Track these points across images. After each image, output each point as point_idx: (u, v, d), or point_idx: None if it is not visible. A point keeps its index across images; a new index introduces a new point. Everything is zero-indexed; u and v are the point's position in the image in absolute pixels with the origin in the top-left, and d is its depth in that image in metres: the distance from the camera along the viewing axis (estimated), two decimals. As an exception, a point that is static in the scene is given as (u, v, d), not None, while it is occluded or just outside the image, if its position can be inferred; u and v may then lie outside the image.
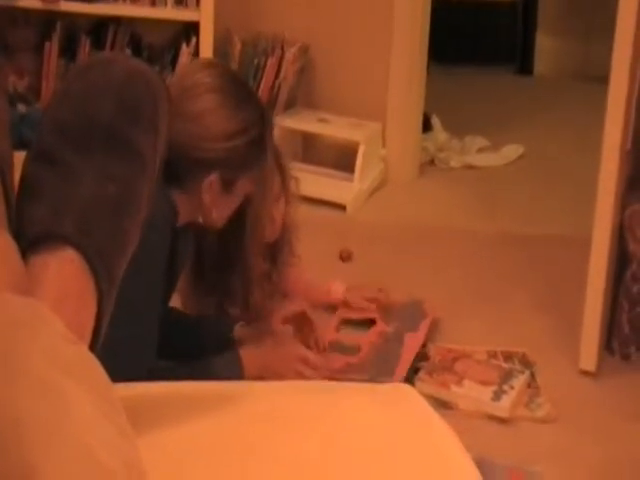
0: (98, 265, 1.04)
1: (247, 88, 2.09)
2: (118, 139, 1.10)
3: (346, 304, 2.59)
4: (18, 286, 0.97)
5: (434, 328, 2.57)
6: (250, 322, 2.25)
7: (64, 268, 1.02)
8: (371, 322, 2.55)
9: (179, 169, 1.93)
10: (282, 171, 2.36)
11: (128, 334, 1.88)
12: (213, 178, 1.97)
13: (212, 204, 2.01)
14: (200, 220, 2.04)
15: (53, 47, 3.24)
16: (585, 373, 2.47)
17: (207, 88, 1.97)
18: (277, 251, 2.45)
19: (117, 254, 1.07)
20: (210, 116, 1.95)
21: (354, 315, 2.57)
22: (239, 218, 2.10)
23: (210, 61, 2.17)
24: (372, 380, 2.22)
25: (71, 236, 1.03)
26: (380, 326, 2.52)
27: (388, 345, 2.43)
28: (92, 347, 1.02)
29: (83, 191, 1.06)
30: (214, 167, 1.97)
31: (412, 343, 2.43)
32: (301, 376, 2.16)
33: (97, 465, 0.78)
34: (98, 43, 3.28)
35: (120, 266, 1.09)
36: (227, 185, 2.00)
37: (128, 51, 3.30)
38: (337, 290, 2.60)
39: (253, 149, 2.00)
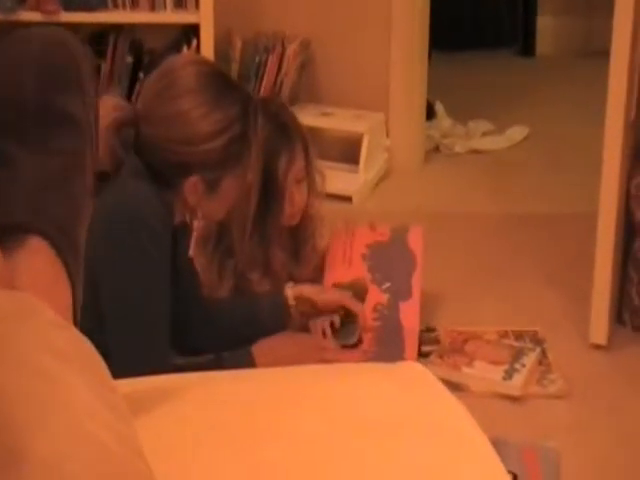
0: (60, 242, 1.06)
1: (229, 84, 2.02)
2: (47, 110, 1.11)
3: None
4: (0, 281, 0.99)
5: (432, 302, 2.56)
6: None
7: (31, 257, 1.04)
8: (362, 286, 2.48)
9: (163, 171, 1.94)
10: (307, 157, 2.39)
11: (138, 335, 1.93)
12: (194, 180, 1.95)
13: (198, 205, 2.00)
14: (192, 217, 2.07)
15: (55, 58, 3.28)
16: (596, 347, 2.48)
17: (183, 89, 1.92)
18: (299, 245, 2.48)
19: (75, 223, 1.10)
20: (184, 119, 1.91)
21: (344, 279, 2.50)
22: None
23: (190, 58, 2.12)
24: None
25: (27, 222, 1.05)
26: (372, 296, 2.45)
27: (387, 327, 2.40)
28: (75, 322, 1.05)
29: (26, 173, 1.08)
30: (193, 169, 1.94)
31: (410, 318, 2.41)
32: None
33: (90, 439, 0.79)
34: (99, 51, 3.32)
35: (81, 233, 1.11)
36: (212, 185, 1.97)
37: (130, 58, 3.33)
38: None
39: (235, 147, 1.96)
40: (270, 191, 2.33)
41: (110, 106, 1.96)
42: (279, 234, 2.42)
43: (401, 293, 2.46)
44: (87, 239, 1.89)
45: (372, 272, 2.51)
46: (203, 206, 2.01)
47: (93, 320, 1.90)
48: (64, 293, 1.06)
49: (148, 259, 1.90)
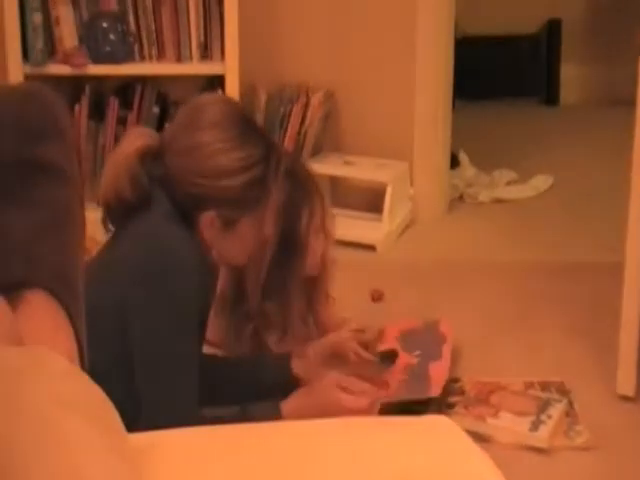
0: (60, 291, 1.07)
1: (255, 128, 2.03)
2: (28, 162, 1.13)
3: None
4: (11, 337, 1.01)
5: (456, 353, 2.57)
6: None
7: (32, 310, 1.05)
8: (393, 353, 2.53)
9: (183, 203, 1.94)
10: (322, 206, 2.39)
11: (169, 384, 1.93)
12: (211, 215, 1.96)
13: (214, 242, 2.00)
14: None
15: (82, 110, 3.32)
16: (624, 398, 2.45)
17: (207, 123, 1.95)
18: (312, 290, 2.48)
19: (72, 269, 1.11)
20: (205, 151, 1.94)
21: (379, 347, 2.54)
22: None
23: (220, 97, 2.15)
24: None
25: (26, 278, 1.06)
26: (404, 358, 2.50)
27: (414, 378, 2.41)
28: (82, 367, 1.06)
29: (16, 227, 1.09)
30: (210, 204, 1.95)
31: (438, 373, 2.42)
32: (341, 402, 2.12)
33: None
34: (126, 103, 3.36)
35: (79, 279, 1.12)
36: (228, 224, 1.98)
37: (156, 109, 3.36)
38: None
39: (254, 189, 1.97)
40: (291, 248, 2.33)
41: (134, 135, 1.99)
42: (299, 289, 2.42)
43: (431, 356, 2.50)
44: (119, 286, 1.91)
45: (404, 345, 2.55)
46: (219, 244, 2.01)
47: (120, 368, 1.91)
48: (68, 341, 1.07)
49: (181, 311, 1.91)
